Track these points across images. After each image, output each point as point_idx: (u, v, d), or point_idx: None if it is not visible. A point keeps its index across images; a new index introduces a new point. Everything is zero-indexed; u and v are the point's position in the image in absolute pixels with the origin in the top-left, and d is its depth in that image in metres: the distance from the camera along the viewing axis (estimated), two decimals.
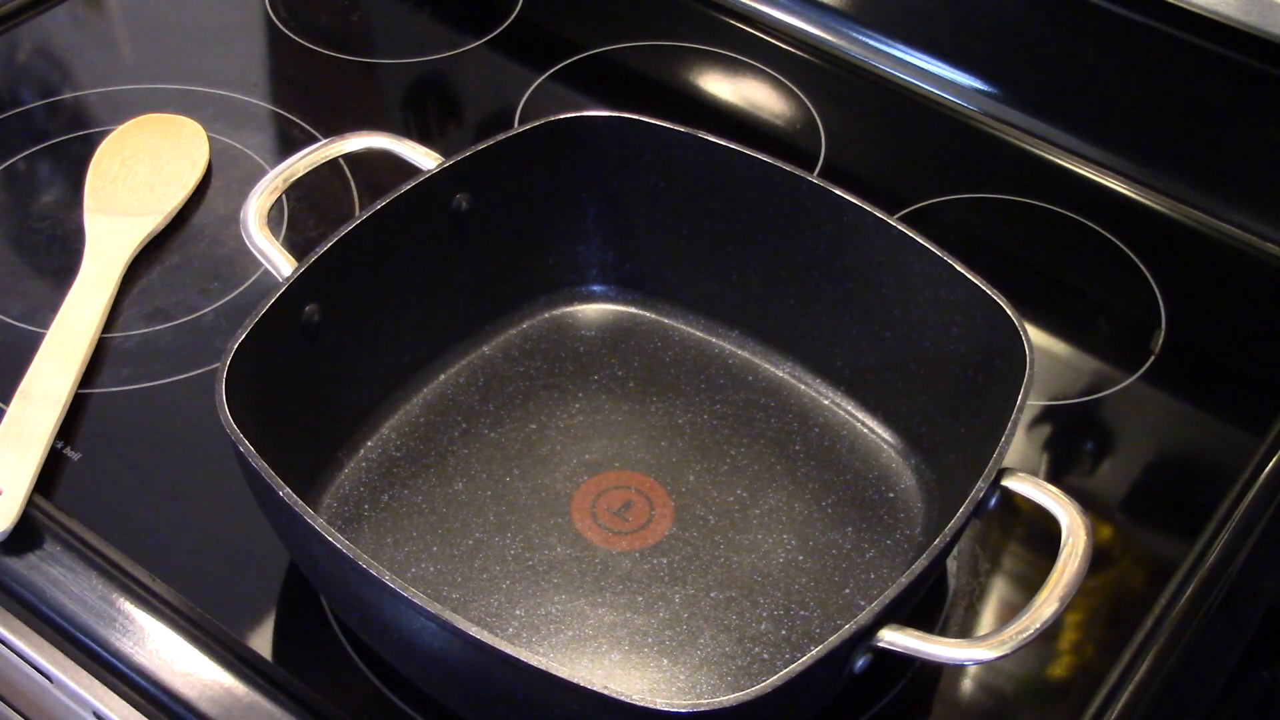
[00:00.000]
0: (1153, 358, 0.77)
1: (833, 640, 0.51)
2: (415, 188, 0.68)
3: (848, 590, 0.65)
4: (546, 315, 0.76)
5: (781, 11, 0.96)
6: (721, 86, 0.93)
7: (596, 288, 0.76)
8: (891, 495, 0.69)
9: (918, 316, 0.68)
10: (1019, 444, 0.72)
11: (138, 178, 0.81)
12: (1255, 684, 0.70)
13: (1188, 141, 0.87)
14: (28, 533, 0.65)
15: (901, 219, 0.68)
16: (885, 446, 0.70)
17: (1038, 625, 0.53)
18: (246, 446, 0.56)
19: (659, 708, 0.50)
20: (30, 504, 0.66)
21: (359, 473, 0.68)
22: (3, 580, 0.64)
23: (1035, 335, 0.71)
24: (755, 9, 0.96)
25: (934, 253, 0.66)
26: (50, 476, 0.67)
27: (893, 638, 0.53)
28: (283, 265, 0.64)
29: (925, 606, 0.65)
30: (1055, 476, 0.72)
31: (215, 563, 0.66)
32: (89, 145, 0.84)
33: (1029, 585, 0.66)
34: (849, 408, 0.72)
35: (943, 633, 0.65)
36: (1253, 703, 0.70)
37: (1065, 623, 0.66)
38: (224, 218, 0.81)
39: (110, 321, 0.75)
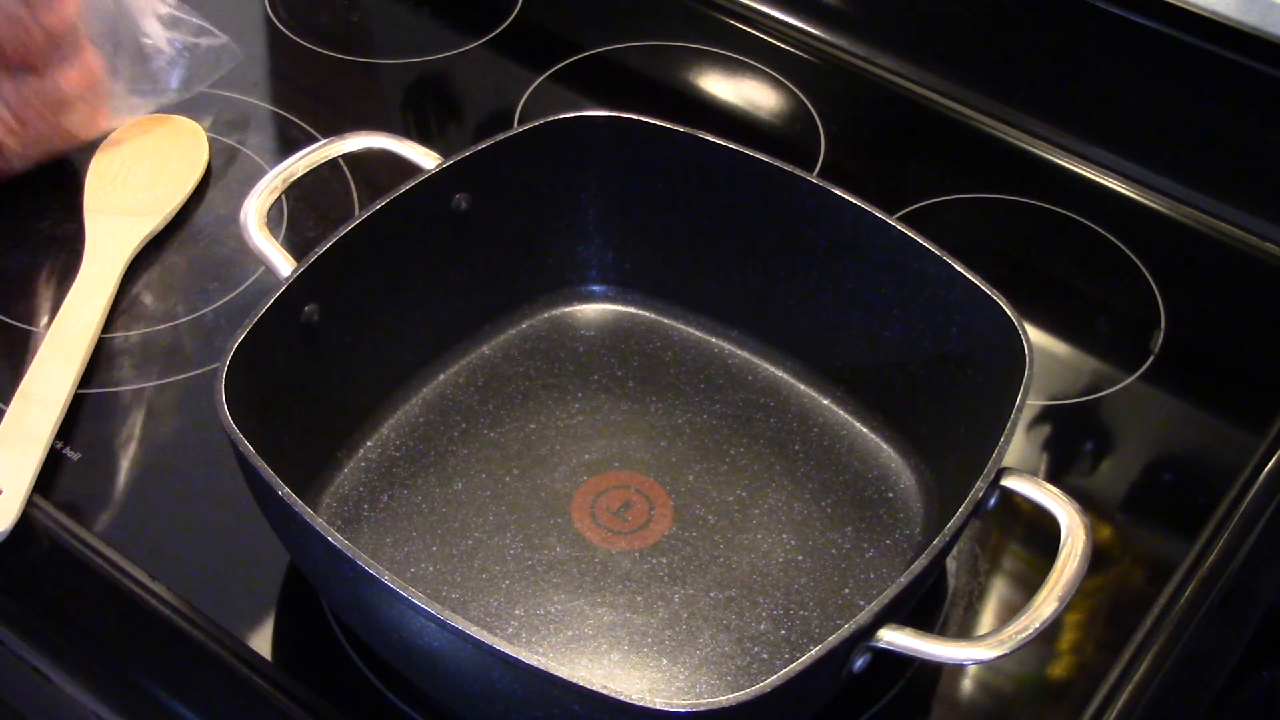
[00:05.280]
0: (1152, 357, 0.77)
1: (832, 640, 0.52)
2: (415, 188, 0.68)
3: (847, 590, 0.65)
4: (546, 315, 0.76)
5: (781, 11, 0.96)
6: (721, 86, 0.93)
7: (596, 288, 0.76)
8: (891, 495, 0.69)
9: (918, 316, 0.68)
10: (1019, 444, 0.72)
11: (138, 178, 0.82)
12: (1255, 684, 0.70)
13: (1187, 141, 0.87)
14: (28, 533, 0.65)
15: (901, 219, 0.68)
16: (885, 446, 0.70)
17: (1037, 625, 0.53)
18: (246, 446, 0.56)
19: (658, 707, 0.50)
20: (30, 504, 0.66)
21: (359, 473, 0.68)
22: (3, 580, 0.64)
23: (1035, 335, 0.71)
24: (755, 9, 0.96)
25: (934, 253, 0.66)
26: (50, 476, 0.67)
27: (892, 637, 0.53)
28: (282, 265, 0.64)
29: (925, 606, 0.65)
30: (1055, 476, 0.72)
31: (215, 563, 0.66)
32: (89, 145, 0.84)
33: (1028, 585, 0.66)
34: (849, 408, 0.72)
35: (942, 632, 0.65)
36: (1253, 703, 0.70)
37: (1065, 622, 0.66)
38: (224, 218, 0.81)
39: (110, 321, 0.75)
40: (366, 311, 0.68)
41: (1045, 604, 0.53)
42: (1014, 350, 0.62)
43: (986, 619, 0.66)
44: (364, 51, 0.94)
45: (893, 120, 0.92)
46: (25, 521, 0.65)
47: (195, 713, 0.61)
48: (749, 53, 0.94)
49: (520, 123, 0.77)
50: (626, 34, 0.95)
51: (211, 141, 0.85)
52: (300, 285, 0.64)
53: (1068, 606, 0.54)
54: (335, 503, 0.67)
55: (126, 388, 0.72)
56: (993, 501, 0.58)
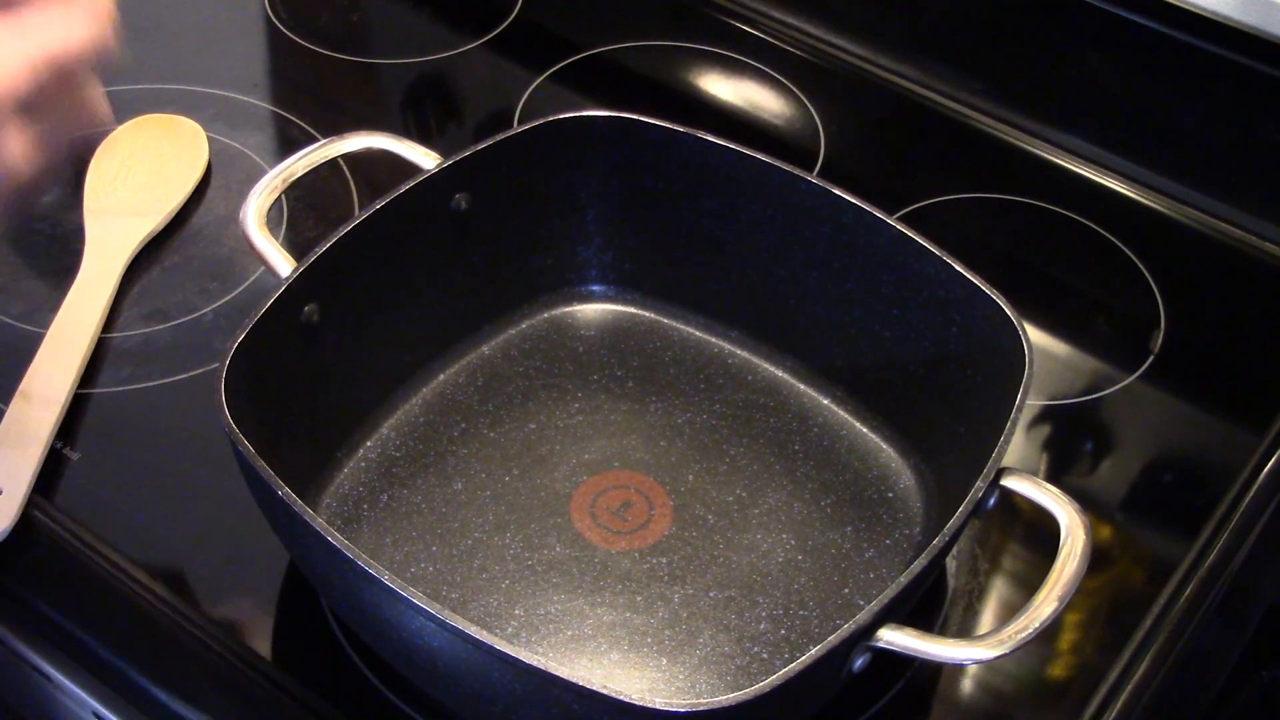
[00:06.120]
0: (1152, 358, 0.77)
1: (832, 640, 0.52)
2: (415, 188, 0.68)
3: (847, 590, 0.65)
4: (546, 315, 0.76)
5: (781, 11, 0.96)
6: (721, 86, 0.93)
7: (596, 288, 0.76)
8: (891, 495, 0.69)
9: (918, 316, 0.68)
10: (1019, 444, 0.72)
11: (138, 178, 0.82)
12: (1255, 684, 0.70)
13: (1188, 141, 0.87)
14: (28, 533, 0.65)
15: (901, 219, 0.68)
16: (885, 446, 0.70)
17: (1036, 625, 0.53)
18: (246, 446, 0.56)
19: (658, 707, 0.50)
20: (30, 504, 0.66)
21: (359, 473, 0.68)
22: (3, 580, 0.64)
23: (1035, 335, 0.71)
24: (755, 9, 0.96)
25: (934, 253, 0.66)
26: (50, 476, 0.67)
27: (892, 637, 0.53)
28: (282, 265, 0.64)
29: (924, 606, 0.65)
30: (1055, 476, 0.72)
31: (215, 563, 0.66)
32: (89, 145, 0.84)
33: (1028, 585, 0.66)
34: (849, 407, 0.72)
35: (942, 632, 0.65)
36: (1253, 703, 0.70)
37: (1064, 622, 0.66)
38: (224, 218, 0.81)
39: (110, 321, 0.75)
40: (366, 311, 0.68)
41: (1045, 604, 0.53)
42: (1014, 350, 0.62)
43: (986, 619, 0.66)
44: (364, 51, 0.94)
45: (893, 120, 0.92)
46: (25, 521, 0.65)
47: (195, 713, 0.61)
48: (749, 53, 0.94)
49: (520, 123, 0.77)
50: (626, 34, 0.95)
51: (211, 141, 0.85)
52: (300, 285, 0.64)
53: (1068, 606, 0.54)
54: (335, 503, 0.67)
55: (126, 388, 0.72)
56: (993, 501, 0.58)
